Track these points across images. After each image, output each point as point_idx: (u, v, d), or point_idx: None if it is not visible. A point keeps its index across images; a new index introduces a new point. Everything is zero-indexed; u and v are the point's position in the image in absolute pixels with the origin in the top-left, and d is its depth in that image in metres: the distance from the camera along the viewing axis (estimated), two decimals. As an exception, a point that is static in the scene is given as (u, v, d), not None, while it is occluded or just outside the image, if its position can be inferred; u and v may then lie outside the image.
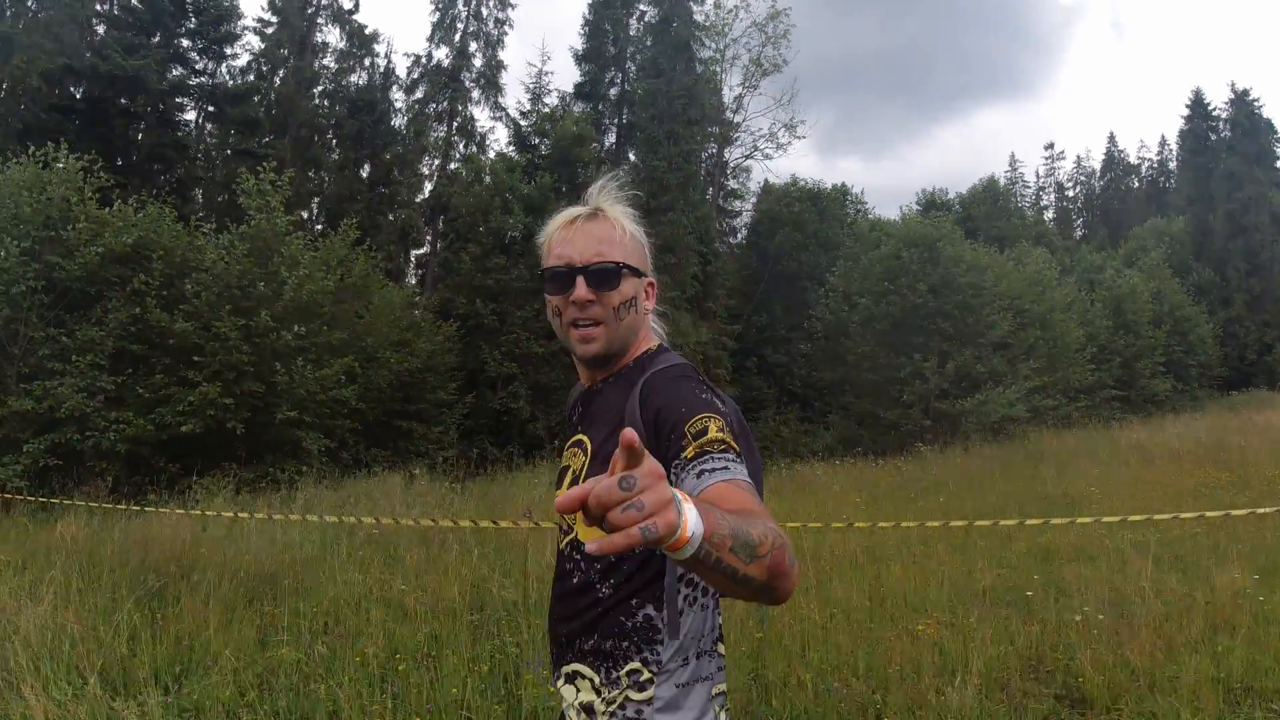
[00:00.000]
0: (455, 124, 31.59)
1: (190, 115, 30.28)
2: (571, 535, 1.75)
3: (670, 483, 1.13)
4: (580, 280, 1.69)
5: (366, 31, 33.82)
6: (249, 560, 8.46)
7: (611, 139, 33.44)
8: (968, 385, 24.85)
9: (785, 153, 49.88)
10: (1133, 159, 75.06)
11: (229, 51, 30.79)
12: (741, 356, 33.19)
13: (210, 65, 30.73)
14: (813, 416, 29.74)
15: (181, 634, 5.97)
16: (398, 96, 33.58)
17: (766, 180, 40.83)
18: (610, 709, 1.60)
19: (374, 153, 32.38)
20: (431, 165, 32.03)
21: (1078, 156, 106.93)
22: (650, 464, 1.00)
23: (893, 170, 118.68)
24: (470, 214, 26.65)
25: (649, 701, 1.57)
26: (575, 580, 1.69)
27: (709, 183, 35.77)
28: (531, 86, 32.06)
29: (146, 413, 15.81)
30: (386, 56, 51.47)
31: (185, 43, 29.97)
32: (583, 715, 1.63)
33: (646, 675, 1.58)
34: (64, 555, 8.28)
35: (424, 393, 21.76)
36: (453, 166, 31.25)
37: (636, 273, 1.75)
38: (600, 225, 1.73)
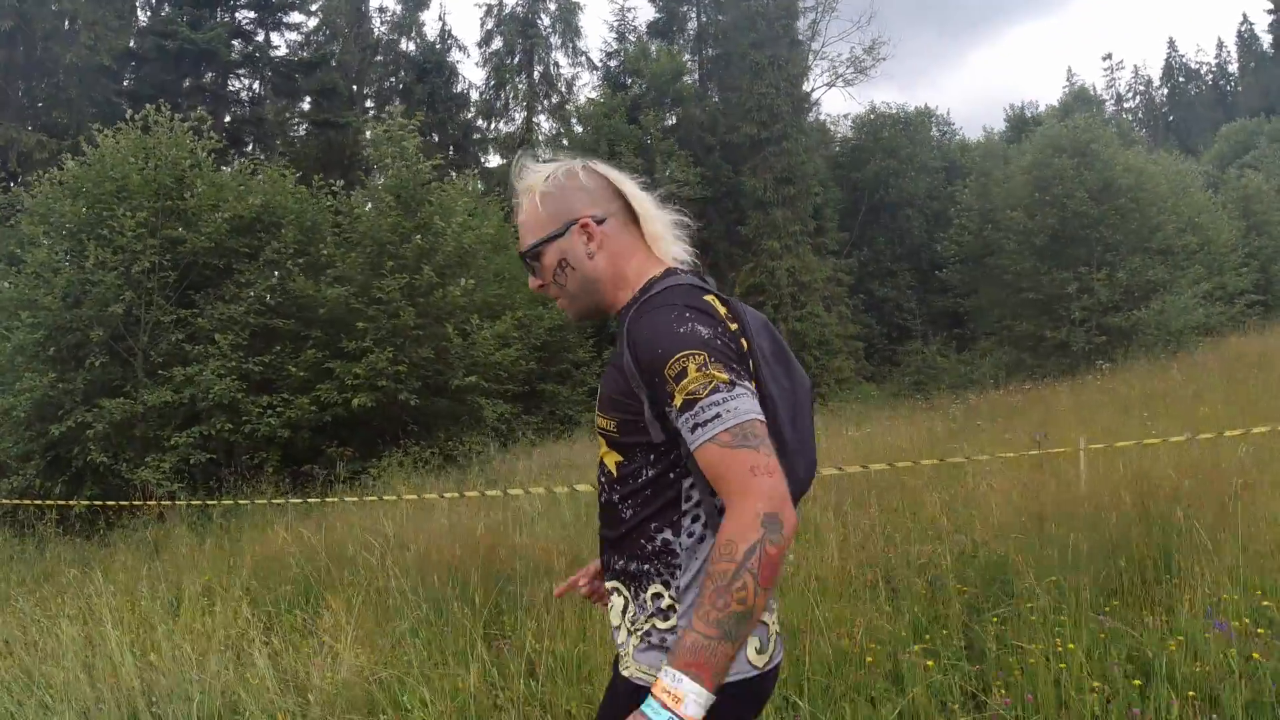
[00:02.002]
0: (537, 72, 29.56)
1: (256, 87, 28.62)
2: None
3: (666, 422, 1.52)
4: (529, 273, 1.79)
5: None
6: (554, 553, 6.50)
7: (694, 76, 31.19)
8: (1138, 296, 22.74)
9: (868, 77, 46.46)
10: (1191, 64, 71.55)
11: (291, 20, 29.05)
12: (852, 292, 31.21)
13: (268, 37, 29.06)
14: (960, 344, 27.73)
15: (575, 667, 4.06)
16: (456, 56, 31.72)
17: (816, 117, 38.76)
18: (639, 632, 1.61)
19: (447, 114, 30.56)
20: (517, 117, 30.04)
21: (1135, 66, 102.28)
22: None
23: (930, 98, 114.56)
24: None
25: (672, 630, 1.57)
26: (603, 499, 1.72)
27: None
28: (616, 25, 29.92)
29: (305, 392, 14.03)
30: (441, 18, 49.48)
31: (244, 15, 28.30)
32: (620, 633, 1.66)
33: (668, 601, 1.58)
34: (294, 565, 6.35)
35: (563, 352, 20.02)
36: (538, 119, 29.32)
37: (553, 237, 1.71)
38: (519, 215, 1.75)
